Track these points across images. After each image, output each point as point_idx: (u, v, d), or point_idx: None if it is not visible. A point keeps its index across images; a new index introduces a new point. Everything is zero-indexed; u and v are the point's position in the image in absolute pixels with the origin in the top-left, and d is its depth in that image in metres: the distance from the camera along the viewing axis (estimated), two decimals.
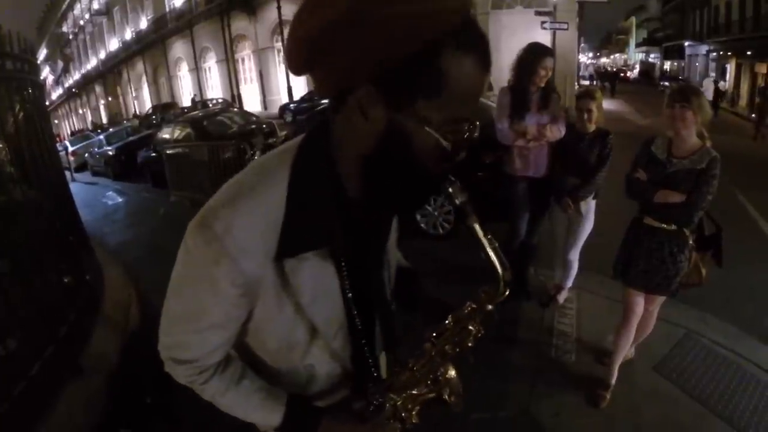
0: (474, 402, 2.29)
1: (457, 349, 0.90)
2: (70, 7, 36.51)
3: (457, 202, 0.78)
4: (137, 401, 2.48)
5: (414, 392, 0.95)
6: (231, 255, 0.73)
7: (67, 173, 10.79)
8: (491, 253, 0.82)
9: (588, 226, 3.13)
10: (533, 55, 2.97)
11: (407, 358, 0.95)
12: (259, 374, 0.94)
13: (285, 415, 0.90)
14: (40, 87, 3.73)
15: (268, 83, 20.98)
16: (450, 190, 0.77)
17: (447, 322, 0.90)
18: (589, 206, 3.08)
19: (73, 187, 8.14)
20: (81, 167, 14.33)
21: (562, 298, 3.41)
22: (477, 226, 0.80)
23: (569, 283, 3.40)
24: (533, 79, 2.96)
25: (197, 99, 21.89)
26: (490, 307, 0.88)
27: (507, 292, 0.85)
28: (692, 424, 2.30)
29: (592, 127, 2.95)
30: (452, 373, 0.99)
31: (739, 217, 5.38)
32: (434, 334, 0.91)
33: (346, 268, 0.83)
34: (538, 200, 3.23)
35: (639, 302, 2.37)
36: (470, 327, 0.89)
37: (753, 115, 13.13)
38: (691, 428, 2.28)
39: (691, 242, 2.22)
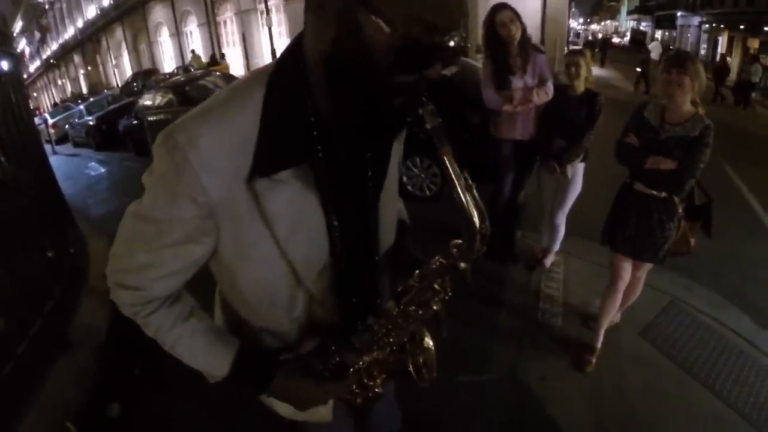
0: (460, 364, 2.34)
1: (420, 312, 0.82)
2: None
3: (428, 126, 0.67)
4: (126, 373, 2.47)
5: (375, 356, 0.88)
6: (193, 167, 0.67)
7: (48, 146, 10.57)
8: (465, 197, 0.69)
9: (575, 190, 3.12)
10: (489, 18, 2.94)
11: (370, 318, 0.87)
12: (244, 336, 0.89)
13: (233, 364, 0.83)
14: (16, 59, 3.57)
15: (251, 46, 20.35)
16: (420, 112, 0.67)
17: (413, 279, 0.81)
18: (577, 169, 3.05)
19: (55, 160, 7.99)
20: (62, 139, 13.97)
21: (548, 261, 3.42)
22: (449, 159, 0.68)
23: (556, 247, 3.41)
24: (502, 38, 2.90)
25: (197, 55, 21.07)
26: (463, 265, 0.75)
27: (483, 248, 0.73)
28: (675, 390, 2.35)
29: (581, 87, 2.89)
30: (429, 342, 0.91)
31: (727, 190, 5.40)
32: (399, 291, 0.83)
33: (331, 201, 0.77)
34: (524, 162, 3.22)
35: (626, 268, 2.38)
36: (435, 286, 0.79)
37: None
38: (674, 394, 2.33)
39: (680, 211, 2.21)
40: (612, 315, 2.56)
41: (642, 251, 2.29)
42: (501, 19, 2.88)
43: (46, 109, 26.21)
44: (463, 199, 0.69)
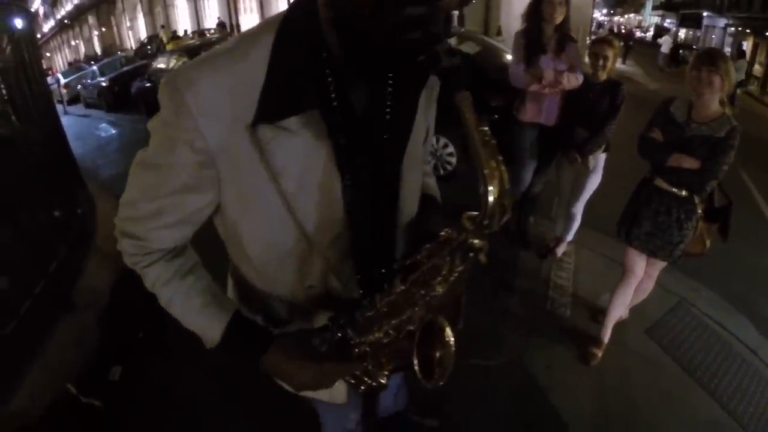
0: (466, 347, 2.33)
1: (423, 292, 0.72)
2: None
3: (443, 65, 0.59)
4: (130, 337, 2.47)
5: (378, 338, 0.78)
6: (191, 111, 0.64)
7: (60, 106, 10.53)
8: (482, 155, 0.57)
9: (596, 180, 3.06)
10: None
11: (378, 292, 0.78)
12: (256, 306, 0.86)
13: (226, 330, 0.77)
14: (29, 17, 3.50)
15: (268, 13, 20.12)
16: (437, 48, 0.59)
17: (420, 254, 0.73)
18: (599, 159, 2.99)
19: (66, 120, 7.95)
20: (74, 99, 13.91)
21: (560, 251, 3.39)
22: (466, 106, 0.59)
23: (569, 237, 3.37)
24: (544, 17, 2.84)
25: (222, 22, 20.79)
26: (476, 242, 0.65)
27: (501, 221, 0.62)
28: (677, 392, 2.35)
29: (603, 76, 2.82)
30: (450, 337, 0.78)
31: (742, 195, 5.29)
32: (406, 266, 0.75)
33: (344, 156, 0.71)
34: (546, 149, 3.15)
35: (640, 264, 2.35)
36: (438, 262, 0.70)
37: None
38: (675, 395, 2.33)
39: (699, 211, 2.17)
40: (621, 310, 2.54)
41: (657, 249, 2.25)
42: None
43: (59, 69, 26.12)
44: (481, 158, 0.58)
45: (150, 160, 0.71)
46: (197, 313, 0.79)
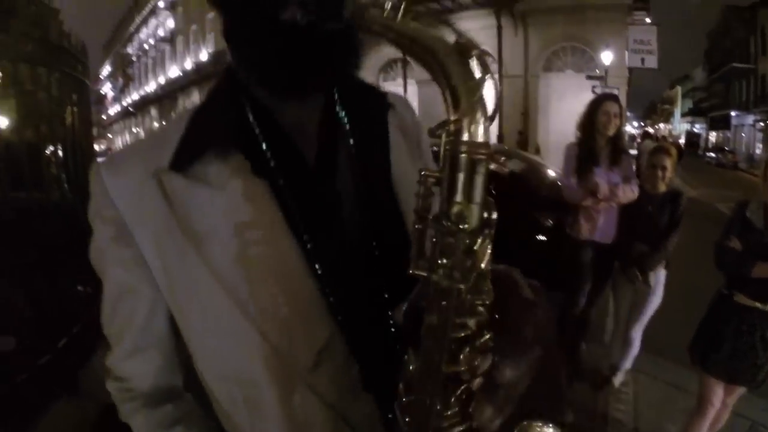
0: None
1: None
2: (137, 30, 39.15)
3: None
4: None
5: None
6: (101, 175, 0.54)
7: None
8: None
9: (656, 300, 2.82)
10: (594, 103, 2.85)
11: None
12: None
13: None
14: (87, 89, 3.76)
15: None
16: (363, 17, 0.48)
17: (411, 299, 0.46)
18: (659, 277, 2.78)
19: None
20: None
21: (618, 380, 3.04)
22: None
23: (628, 365, 3.04)
24: (597, 128, 2.78)
25: None
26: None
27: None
28: None
29: (663, 187, 2.71)
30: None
31: None
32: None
33: (299, 215, 0.53)
34: (603, 268, 2.95)
35: (718, 393, 2.06)
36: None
37: None
38: None
39: None
40: None
41: (739, 374, 1.98)
42: (606, 108, 2.79)
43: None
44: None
45: (93, 258, 0.58)
46: None
